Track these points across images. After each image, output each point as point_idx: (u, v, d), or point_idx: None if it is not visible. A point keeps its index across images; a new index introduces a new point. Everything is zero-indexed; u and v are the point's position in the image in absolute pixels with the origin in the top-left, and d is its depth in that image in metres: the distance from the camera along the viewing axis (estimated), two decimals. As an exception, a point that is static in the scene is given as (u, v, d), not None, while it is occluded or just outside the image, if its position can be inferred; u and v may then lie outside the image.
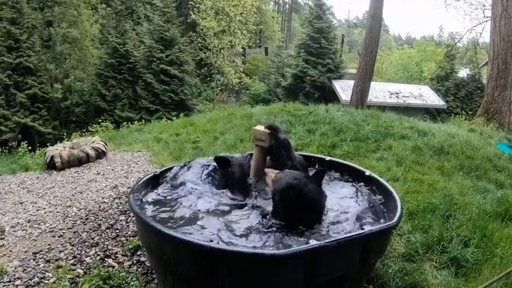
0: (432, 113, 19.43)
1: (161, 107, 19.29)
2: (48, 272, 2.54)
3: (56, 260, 2.67)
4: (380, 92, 19.28)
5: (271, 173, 2.32)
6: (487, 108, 10.16)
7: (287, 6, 56.90)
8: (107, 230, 3.13)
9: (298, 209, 2.03)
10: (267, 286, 1.78)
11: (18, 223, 3.28)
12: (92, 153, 5.22)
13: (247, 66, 30.02)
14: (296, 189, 2.03)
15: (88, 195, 3.90)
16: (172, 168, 2.85)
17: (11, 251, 2.83)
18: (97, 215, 3.40)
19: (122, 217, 3.35)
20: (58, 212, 3.50)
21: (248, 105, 14.34)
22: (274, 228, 2.03)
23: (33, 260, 2.69)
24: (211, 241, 1.86)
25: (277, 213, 2.09)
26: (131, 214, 3.26)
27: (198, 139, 5.96)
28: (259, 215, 2.19)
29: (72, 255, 2.76)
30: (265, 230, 2.03)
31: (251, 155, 2.67)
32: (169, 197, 2.47)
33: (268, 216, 2.13)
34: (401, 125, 5.96)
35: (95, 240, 2.97)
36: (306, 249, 1.70)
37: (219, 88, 23.29)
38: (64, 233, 3.09)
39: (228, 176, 2.57)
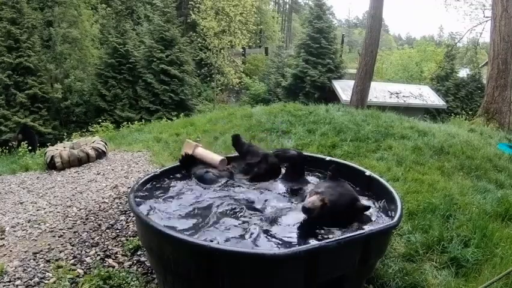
0: (432, 113, 19.44)
1: (162, 107, 19.30)
2: (48, 272, 2.54)
3: (56, 260, 2.67)
4: (380, 92, 19.29)
5: (316, 200, 2.08)
6: (487, 108, 10.16)
7: (287, 6, 56.93)
8: (107, 230, 3.13)
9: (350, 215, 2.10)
10: (267, 286, 1.78)
11: (18, 223, 3.28)
12: (92, 153, 5.22)
13: (247, 66, 30.03)
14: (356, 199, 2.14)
15: (88, 195, 3.90)
16: (173, 167, 2.85)
17: (11, 251, 2.83)
18: (97, 215, 3.40)
19: (123, 217, 3.36)
20: (58, 212, 3.50)
21: (248, 105, 14.35)
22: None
23: (34, 260, 2.69)
24: (211, 241, 1.86)
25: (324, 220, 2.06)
26: (131, 214, 3.26)
27: (198, 139, 5.96)
28: (270, 218, 2.16)
29: (72, 255, 2.76)
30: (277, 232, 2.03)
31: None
32: (170, 197, 2.46)
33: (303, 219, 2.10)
34: (401, 125, 5.96)
35: (95, 240, 2.97)
36: (306, 249, 1.70)
37: (219, 88, 23.30)
38: (64, 233, 3.09)
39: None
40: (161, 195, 2.46)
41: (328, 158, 2.97)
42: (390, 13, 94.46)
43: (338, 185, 2.22)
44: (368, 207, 2.17)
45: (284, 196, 2.42)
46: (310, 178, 2.74)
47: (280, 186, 2.53)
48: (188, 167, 2.79)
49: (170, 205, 2.31)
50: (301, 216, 2.08)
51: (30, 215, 3.46)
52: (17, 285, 2.41)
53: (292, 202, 2.32)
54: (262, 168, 2.58)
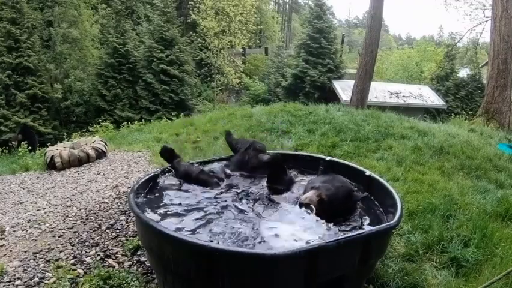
0: (432, 113, 19.44)
1: (162, 107, 19.29)
2: (48, 272, 2.54)
3: (56, 260, 2.67)
4: (380, 92, 19.29)
5: (313, 196, 2.09)
6: (487, 108, 10.16)
7: (287, 6, 56.90)
8: (107, 230, 3.13)
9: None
10: (267, 286, 1.78)
11: (18, 223, 3.28)
12: (92, 153, 5.22)
13: (247, 66, 30.01)
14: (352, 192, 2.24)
15: (88, 195, 3.90)
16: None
17: (11, 251, 2.83)
18: (97, 215, 3.40)
19: (123, 217, 3.36)
20: (58, 212, 3.50)
21: (248, 105, 14.35)
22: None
23: (34, 260, 2.69)
24: (211, 241, 1.86)
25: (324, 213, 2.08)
26: (131, 214, 3.26)
27: (198, 139, 5.96)
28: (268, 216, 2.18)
29: (72, 255, 2.76)
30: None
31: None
32: (170, 196, 2.46)
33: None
34: (401, 125, 5.96)
35: (95, 240, 2.97)
36: (306, 249, 1.70)
37: (219, 88, 23.30)
38: (64, 233, 3.09)
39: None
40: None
41: (328, 158, 2.97)
42: (390, 13, 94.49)
43: (334, 178, 2.23)
44: (365, 197, 2.20)
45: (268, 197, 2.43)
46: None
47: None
48: (170, 159, 2.82)
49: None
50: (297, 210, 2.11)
51: (30, 215, 3.46)
52: (17, 285, 2.41)
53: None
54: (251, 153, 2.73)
